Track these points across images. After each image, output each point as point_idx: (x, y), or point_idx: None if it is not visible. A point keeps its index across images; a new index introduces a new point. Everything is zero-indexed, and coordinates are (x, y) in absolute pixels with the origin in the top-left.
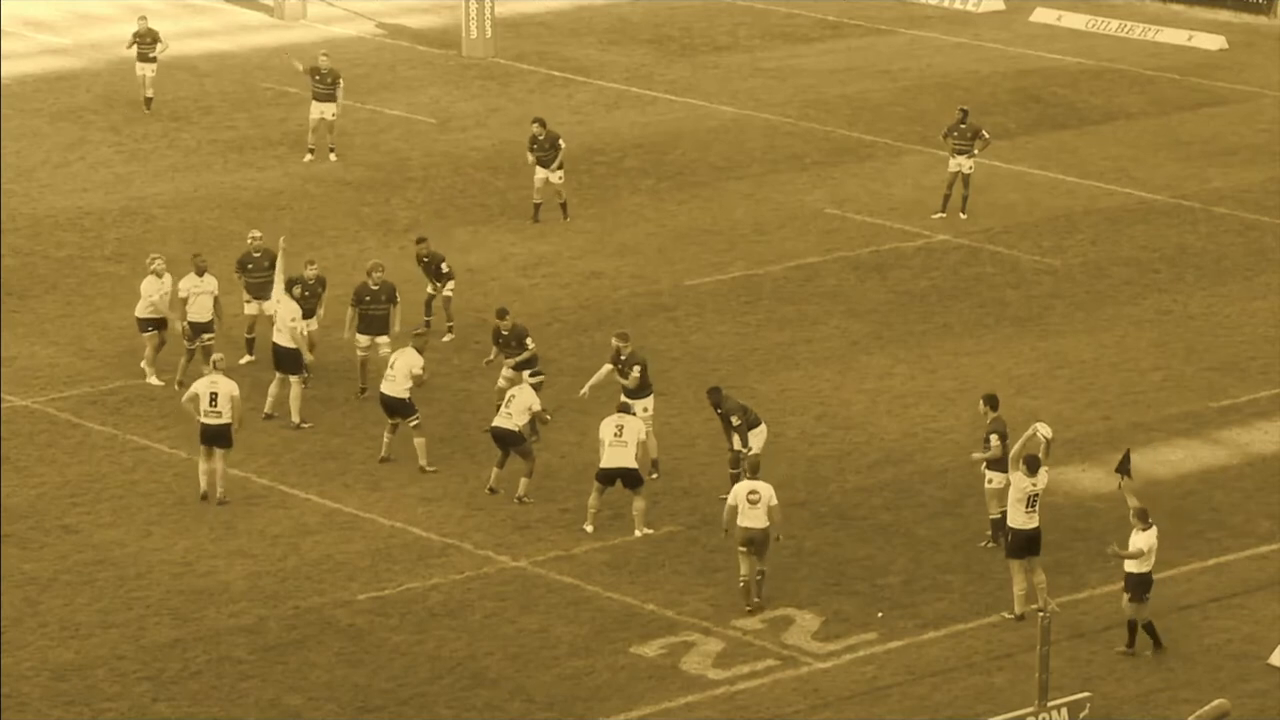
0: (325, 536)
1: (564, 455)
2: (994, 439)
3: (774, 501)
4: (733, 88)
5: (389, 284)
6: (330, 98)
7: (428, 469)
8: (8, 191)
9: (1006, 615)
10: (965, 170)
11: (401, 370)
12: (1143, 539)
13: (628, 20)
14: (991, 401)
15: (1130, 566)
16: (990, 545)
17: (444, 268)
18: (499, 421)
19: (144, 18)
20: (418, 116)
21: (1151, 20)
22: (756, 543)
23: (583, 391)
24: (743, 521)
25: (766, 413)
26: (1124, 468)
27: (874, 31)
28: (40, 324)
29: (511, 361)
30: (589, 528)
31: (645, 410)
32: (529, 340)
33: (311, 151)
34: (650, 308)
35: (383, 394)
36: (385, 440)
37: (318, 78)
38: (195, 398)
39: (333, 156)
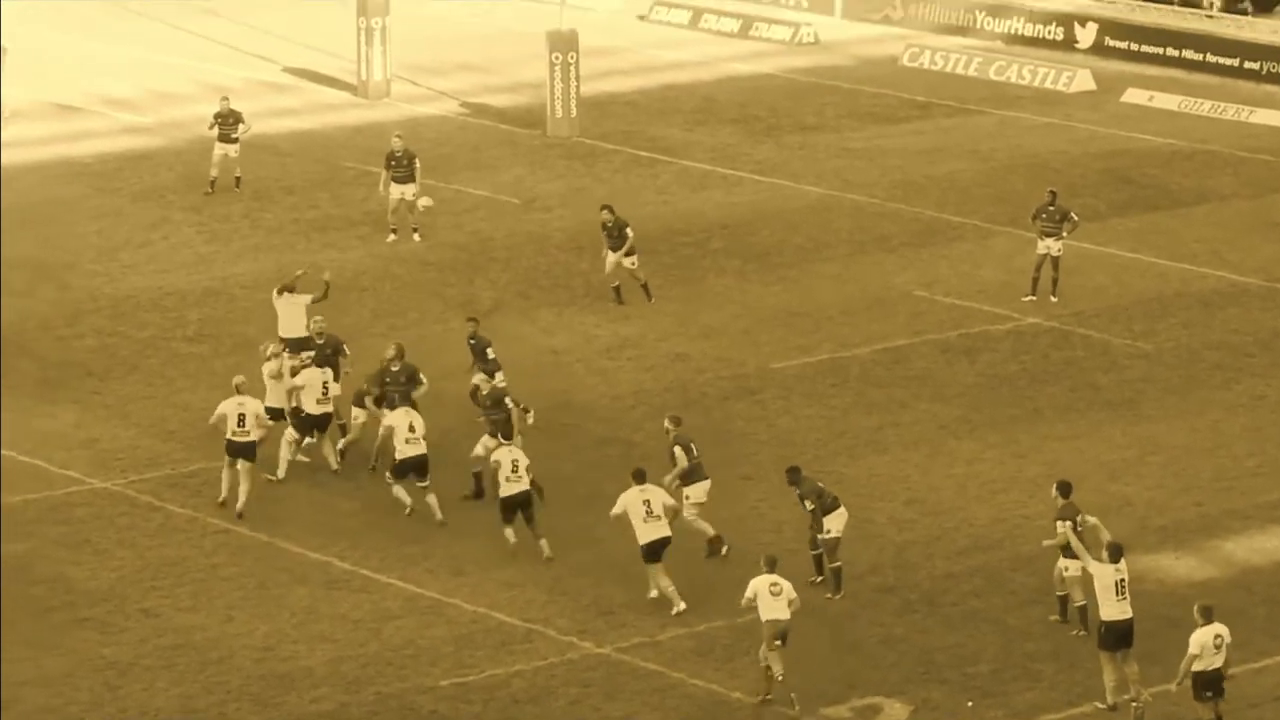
0: (407, 621)
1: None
2: (1059, 525)
3: (794, 595)
4: (820, 168)
5: (410, 366)
6: (409, 179)
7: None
8: (90, 272)
9: (1099, 705)
10: (1054, 253)
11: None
12: (1202, 634)
13: (713, 100)
14: (1064, 488)
15: (1197, 664)
16: (1055, 619)
17: (489, 354)
18: (516, 488)
19: (226, 98)
20: (502, 196)
21: (1245, 101)
22: (785, 635)
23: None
24: (768, 615)
25: (854, 498)
26: None
27: (963, 111)
28: (122, 405)
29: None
30: (680, 606)
31: (687, 497)
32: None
33: (394, 232)
34: (736, 391)
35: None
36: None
37: (394, 161)
38: (223, 417)
39: (416, 237)
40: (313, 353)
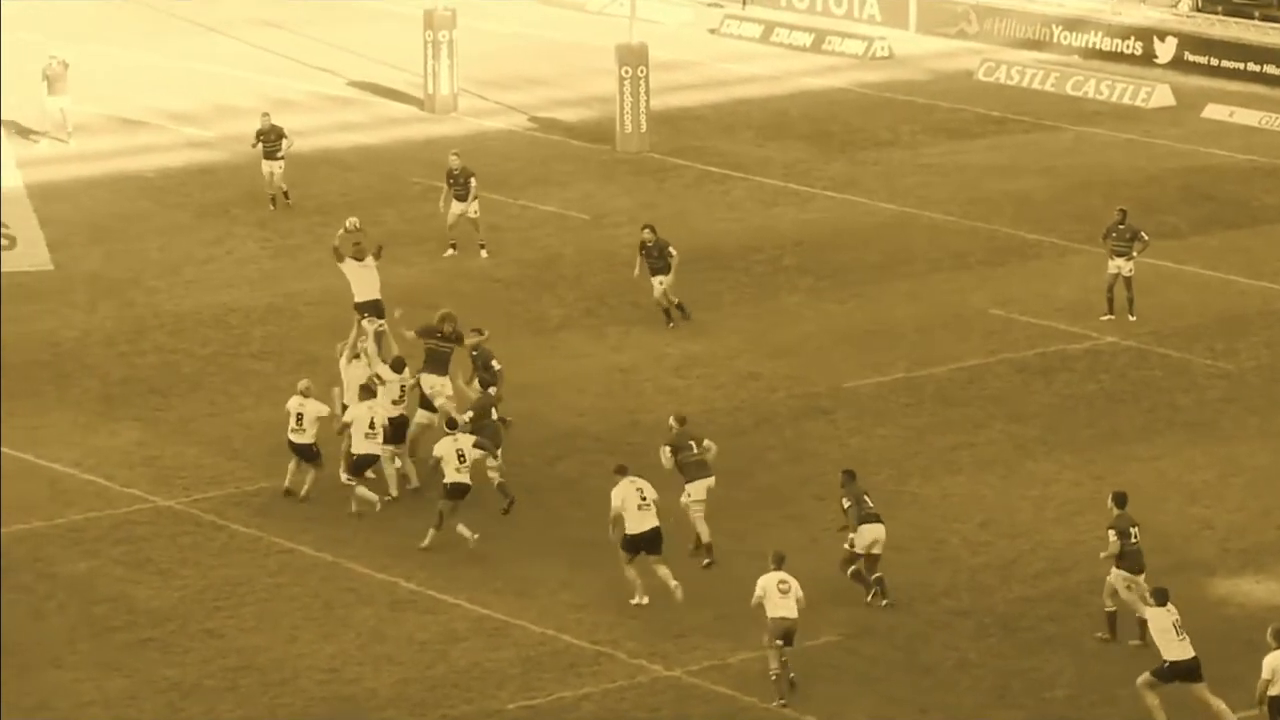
0: (474, 643)
1: (721, 561)
2: (1111, 534)
3: (800, 593)
4: (894, 184)
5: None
6: (466, 196)
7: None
8: (153, 288)
9: None
10: (1125, 273)
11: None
12: (1274, 658)
13: (786, 115)
14: (1119, 499)
15: (1271, 689)
16: (1102, 637)
17: (494, 364)
18: (463, 479)
19: (267, 114)
20: (570, 212)
21: None
22: (790, 634)
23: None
24: (776, 612)
25: (928, 519)
26: None
27: (1039, 127)
28: (185, 423)
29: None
30: (643, 600)
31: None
32: (494, 363)
33: (453, 246)
34: (808, 410)
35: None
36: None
37: (452, 179)
38: (288, 414)
39: (483, 253)
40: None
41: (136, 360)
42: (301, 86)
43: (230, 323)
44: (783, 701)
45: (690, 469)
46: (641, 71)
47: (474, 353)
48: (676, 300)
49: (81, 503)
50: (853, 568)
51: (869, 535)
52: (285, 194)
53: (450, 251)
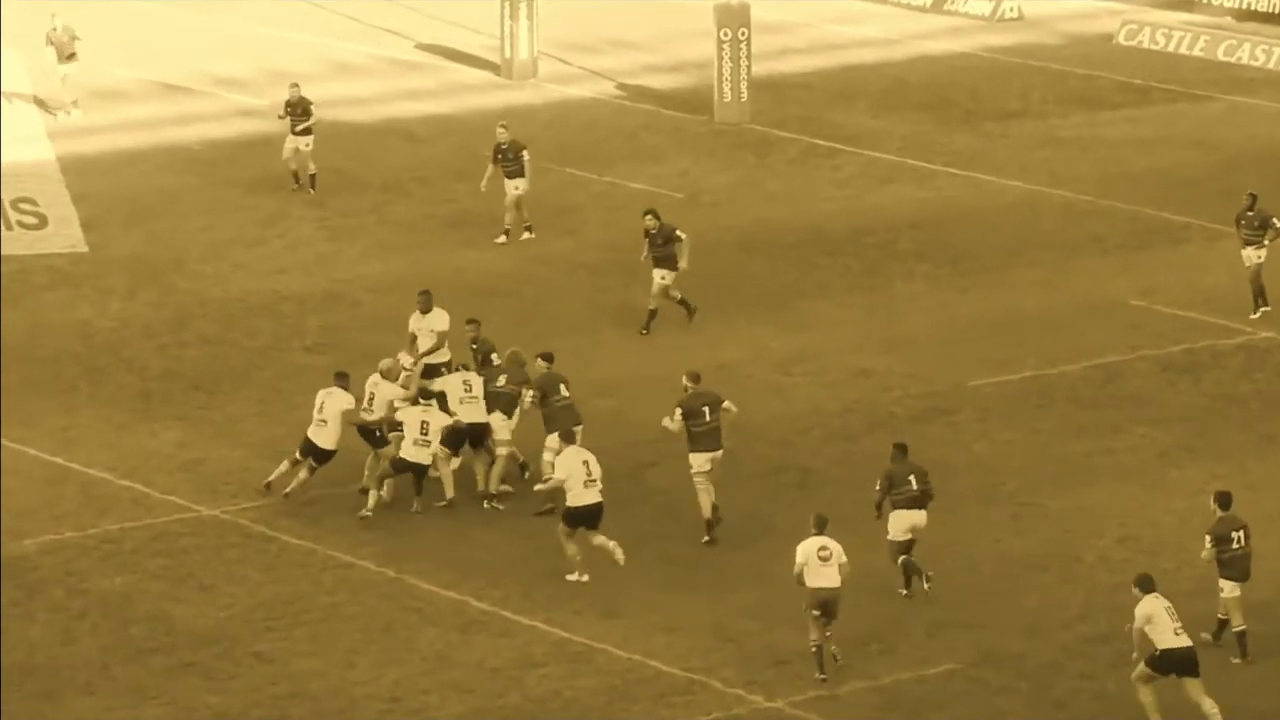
0: (553, 670)
1: None
2: (1208, 540)
3: (844, 559)
4: (1024, 160)
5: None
6: (518, 173)
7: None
8: (197, 273)
9: None
10: (1254, 261)
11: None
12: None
13: (903, 83)
14: (1223, 499)
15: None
16: (1206, 636)
17: (494, 359)
18: (423, 456)
19: (295, 85)
20: (662, 190)
21: None
22: (830, 605)
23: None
24: (815, 582)
25: (1061, 534)
26: None
27: (1187, 96)
28: (231, 423)
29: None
30: (583, 578)
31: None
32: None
33: (506, 233)
34: (927, 411)
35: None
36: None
37: (500, 154)
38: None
39: (528, 234)
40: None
41: (179, 353)
42: (365, 50)
43: (283, 312)
44: (823, 676)
45: (699, 439)
46: (743, 34)
47: (473, 345)
48: (679, 295)
49: (117, 511)
50: (903, 558)
51: (905, 522)
52: (311, 177)
53: (502, 239)
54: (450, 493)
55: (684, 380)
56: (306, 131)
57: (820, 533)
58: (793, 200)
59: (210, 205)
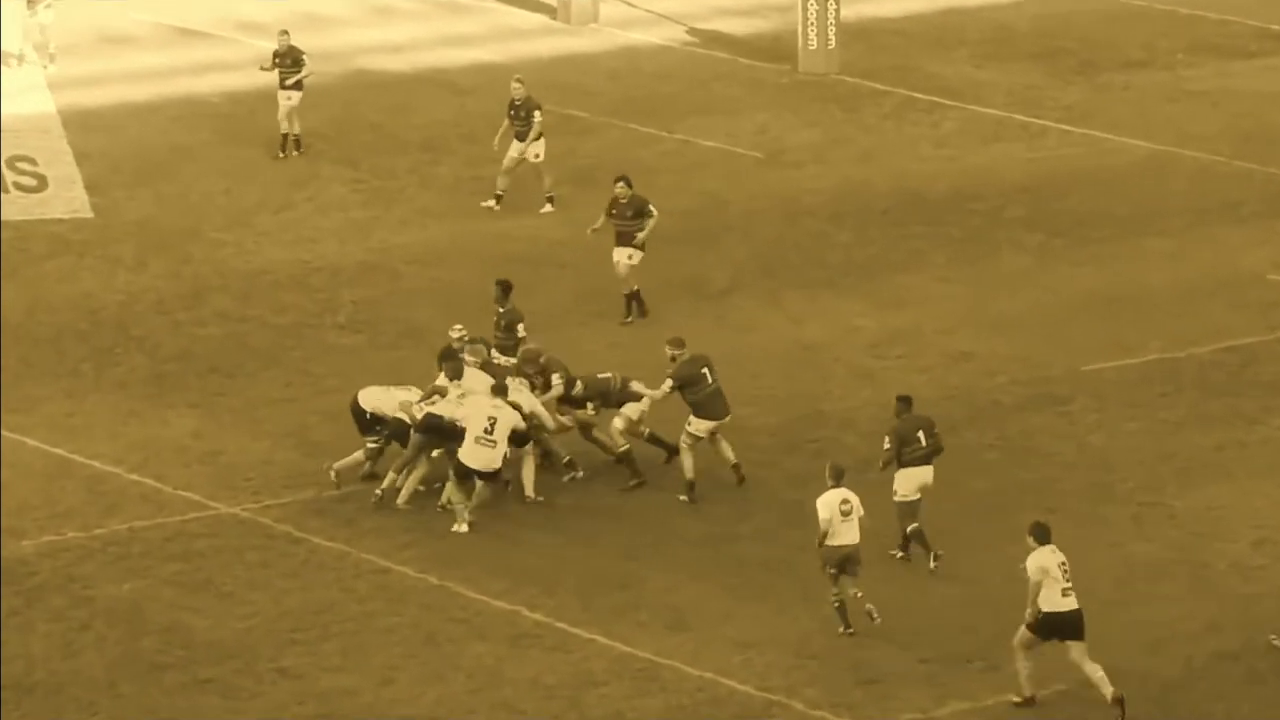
0: (614, 689)
1: (924, 588)
2: None
3: (862, 511)
4: (1148, 116)
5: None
6: (527, 135)
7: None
8: (217, 241)
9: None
10: None
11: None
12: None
13: (1011, 29)
14: None
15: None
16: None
17: (520, 329)
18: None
19: (285, 32)
20: (739, 149)
21: None
22: (852, 562)
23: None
24: (837, 540)
25: (1187, 537)
26: None
27: None
28: (253, 410)
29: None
30: (463, 527)
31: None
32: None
33: (498, 197)
34: (1036, 399)
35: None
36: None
37: (512, 111)
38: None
39: (548, 207)
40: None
41: (195, 331)
42: None
43: (312, 285)
44: (849, 630)
45: (706, 405)
46: None
47: (500, 310)
48: (635, 286)
49: (125, 509)
50: (914, 526)
51: (915, 480)
52: (297, 141)
53: (491, 203)
54: (530, 491)
55: (668, 350)
56: (297, 86)
57: (838, 484)
58: (885, 161)
59: (230, 165)
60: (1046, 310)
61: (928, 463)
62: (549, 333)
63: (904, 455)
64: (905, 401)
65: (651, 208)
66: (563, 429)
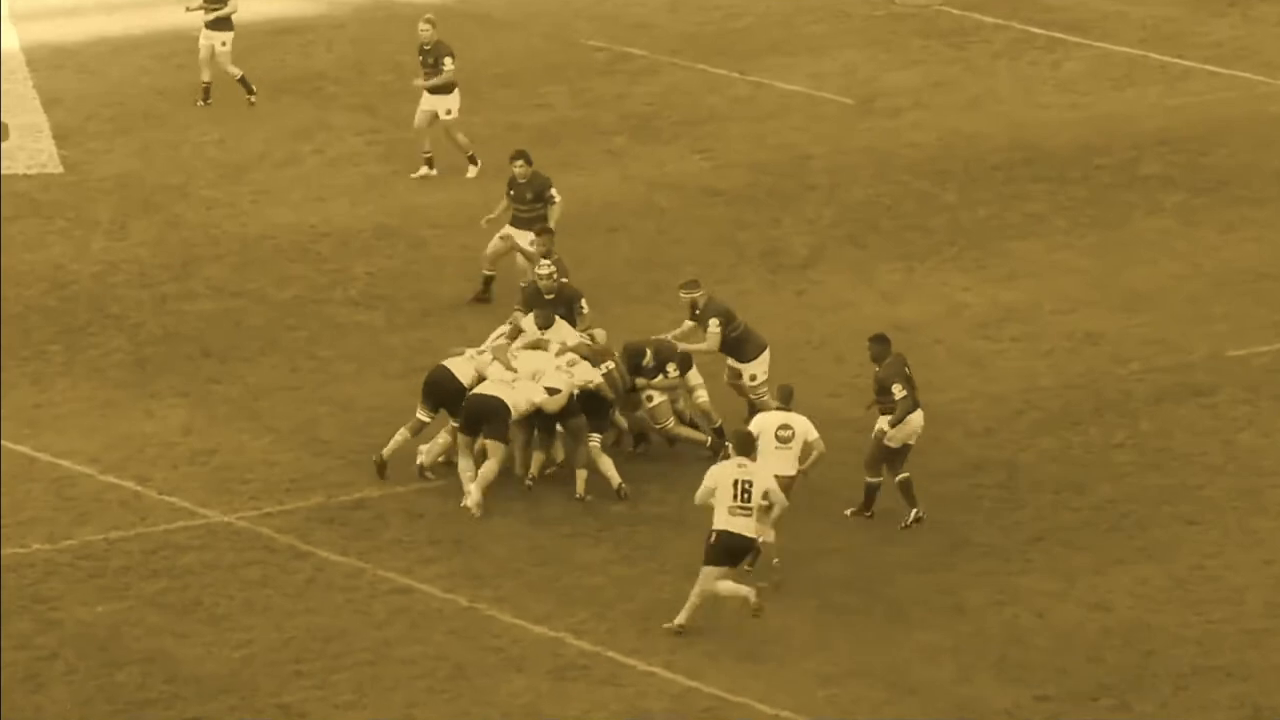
0: None
1: (1040, 611)
2: None
3: (812, 435)
4: None
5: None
6: (437, 89)
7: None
8: (208, 200)
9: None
10: None
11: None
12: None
13: None
14: None
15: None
16: None
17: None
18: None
19: None
20: (824, 93)
21: None
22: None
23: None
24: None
25: None
26: None
27: None
28: (251, 400)
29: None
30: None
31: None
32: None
33: (428, 162)
34: (1175, 389)
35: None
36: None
37: (421, 58)
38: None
39: (472, 170)
40: None
41: (184, 307)
42: None
43: (321, 253)
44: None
45: (740, 346)
46: None
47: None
48: (493, 272)
49: (101, 517)
50: (903, 477)
51: (913, 425)
52: (246, 85)
53: (423, 170)
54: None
55: (685, 294)
56: (223, 25)
57: (785, 406)
58: (998, 107)
59: (226, 112)
60: (1187, 284)
61: (918, 406)
62: (597, 307)
63: (884, 403)
64: (884, 341)
65: (554, 192)
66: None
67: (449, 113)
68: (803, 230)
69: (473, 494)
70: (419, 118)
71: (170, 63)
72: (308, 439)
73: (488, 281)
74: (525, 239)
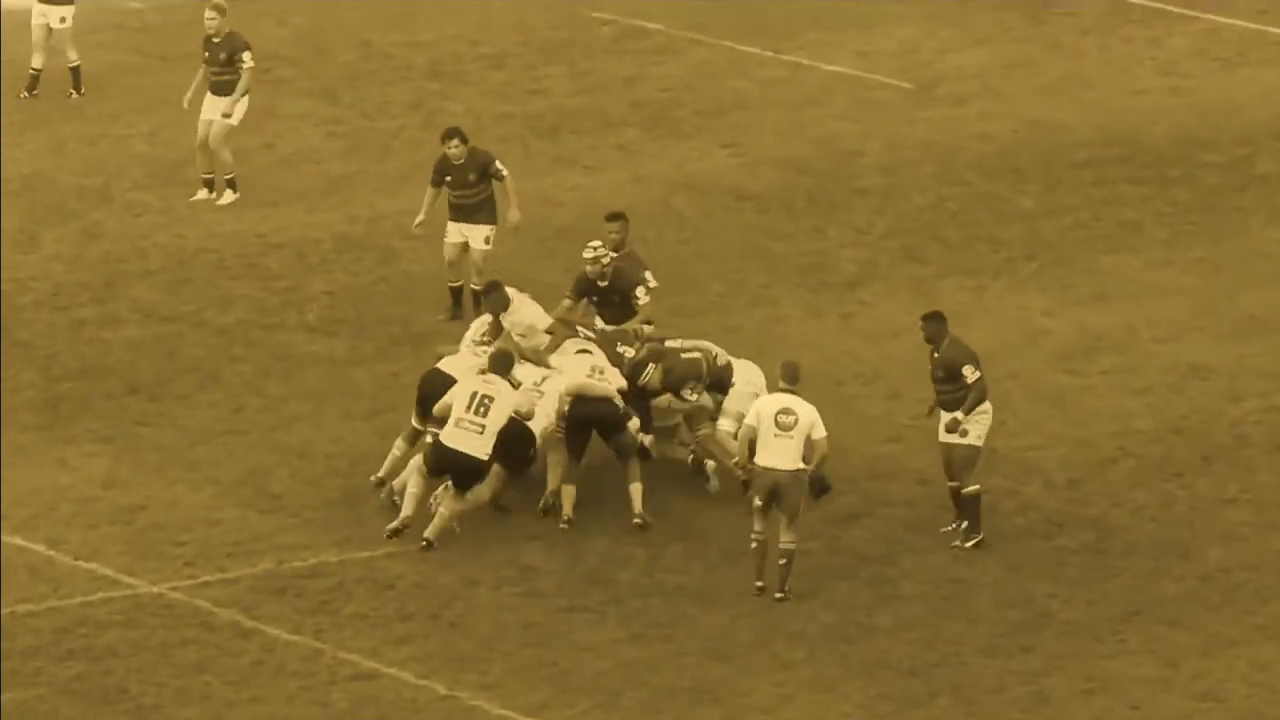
0: None
1: (1137, 704)
2: None
3: (818, 431)
4: None
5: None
6: (225, 88)
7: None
8: (136, 204)
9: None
10: None
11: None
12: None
13: None
14: None
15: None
16: None
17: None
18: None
19: None
20: (875, 75)
21: None
22: (784, 495)
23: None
24: (764, 460)
25: None
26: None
27: None
28: (187, 446)
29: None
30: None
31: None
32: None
33: (206, 184)
34: None
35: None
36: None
37: (208, 53)
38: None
39: (229, 196)
40: None
41: (106, 335)
42: None
43: (270, 267)
44: (760, 584)
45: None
46: None
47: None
48: (475, 285)
49: (6, 587)
50: (974, 487)
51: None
52: (74, 74)
53: (201, 194)
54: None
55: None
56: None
57: (791, 387)
58: (1085, 94)
59: (158, 96)
60: None
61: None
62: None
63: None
64: (940, 319)
65: (499, 165)
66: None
67: (226, 116)
68: (850, 242)
69: (433, 525)
70: (201, 126)
71: (90, 39)
72: (254, 493)
73: (456, 294)
74: (480, 235)
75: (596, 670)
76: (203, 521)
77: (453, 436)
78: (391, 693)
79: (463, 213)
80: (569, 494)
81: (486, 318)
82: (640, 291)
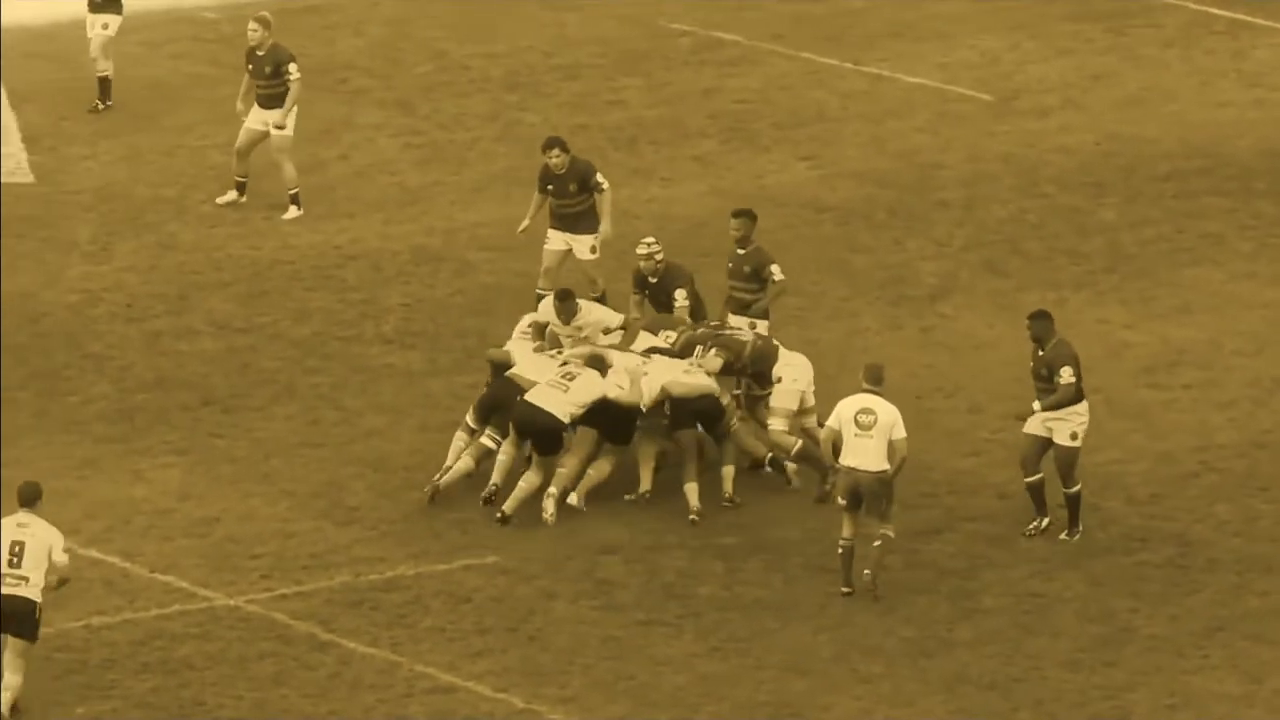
0: None
1: None
2: None
3: (899, 433)
4: None
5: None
6: (273, 101)
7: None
8: (207, 217)
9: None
10: None
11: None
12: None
13: None
14: None
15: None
16: None
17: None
18: None
19: None
20: (956, 87)
21: None
22: (872, 496)
23: None
24: (847, 459)
25: None
26: None
27: None
28: (262, 459)
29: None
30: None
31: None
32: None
33: (239, 187)
34: None
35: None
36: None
37: (251, 64)
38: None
39: (293, 211)
40: None
41: (180, 346)
42: None
43: (346, 279)
44: (848, 589)
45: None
46: None
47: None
48: (600, 290)
49: (81, 600)
50: (1076, 487)
51: (1066, 428)
52: (102, 83)
53: (230, 195)
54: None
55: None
56: (112, 7)
57: (874, 387)
58: (1168, 106)
59: (234, 107)
60: None
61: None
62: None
63: (1062, 395)
64: (1047, 318)
65: (600, 178)
66: None
67: (280, 128)
68: (930, 254)
69: (548, 508)
70: (243, 135)
71: (164, 50)
72: (330, 505)
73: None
74: (584, 245)
75: (675, 684)
76: (278, 534)
77: (538, 393)
78: (469, 706)
79: (565, 222)
80: (726, 476)
81: (530, 315)
82: (679, 295)
